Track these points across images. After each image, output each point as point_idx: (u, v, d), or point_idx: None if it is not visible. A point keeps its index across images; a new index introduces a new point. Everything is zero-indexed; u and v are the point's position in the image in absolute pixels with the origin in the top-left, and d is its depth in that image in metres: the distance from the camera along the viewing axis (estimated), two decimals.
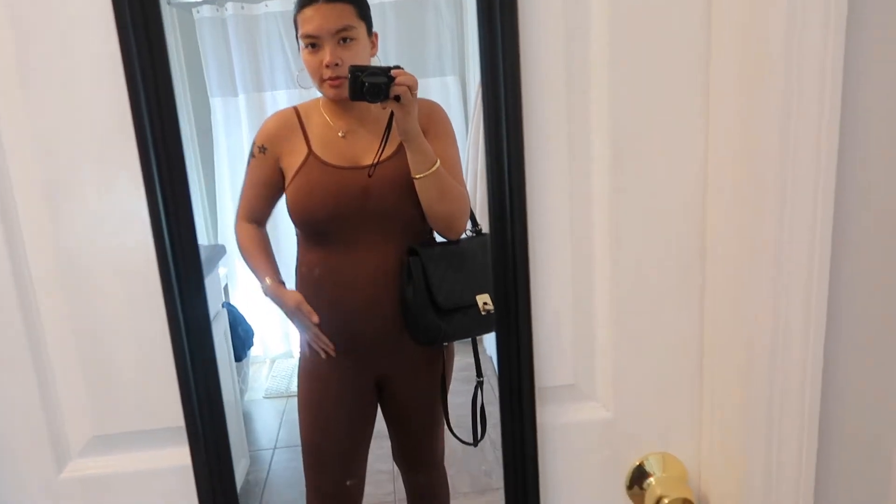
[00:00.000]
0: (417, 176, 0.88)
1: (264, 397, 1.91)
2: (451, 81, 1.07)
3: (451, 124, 0.94)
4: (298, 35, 0.95)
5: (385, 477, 1.22)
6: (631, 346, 0.79)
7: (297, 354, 1.73)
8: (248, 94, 1.24)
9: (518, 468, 0.78)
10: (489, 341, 1.05)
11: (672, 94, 0.72)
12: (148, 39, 0.64)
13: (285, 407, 1.83)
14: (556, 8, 0.70)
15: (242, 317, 1.62)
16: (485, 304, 0.93)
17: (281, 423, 1.81)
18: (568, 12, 0.71)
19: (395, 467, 1.17)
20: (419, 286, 0.91)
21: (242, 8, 1.20)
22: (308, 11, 0.93)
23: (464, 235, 0.95)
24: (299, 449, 1.67)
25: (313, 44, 0.94)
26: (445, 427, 1.06)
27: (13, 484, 0.79)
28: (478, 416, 1.03)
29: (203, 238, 1.11)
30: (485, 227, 0.92)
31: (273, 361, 2.04)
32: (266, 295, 1.05)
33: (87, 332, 0.75)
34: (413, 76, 0.88)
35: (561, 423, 0.80)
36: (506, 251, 0.72)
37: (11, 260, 0.72)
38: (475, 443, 1.03)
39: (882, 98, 0.68)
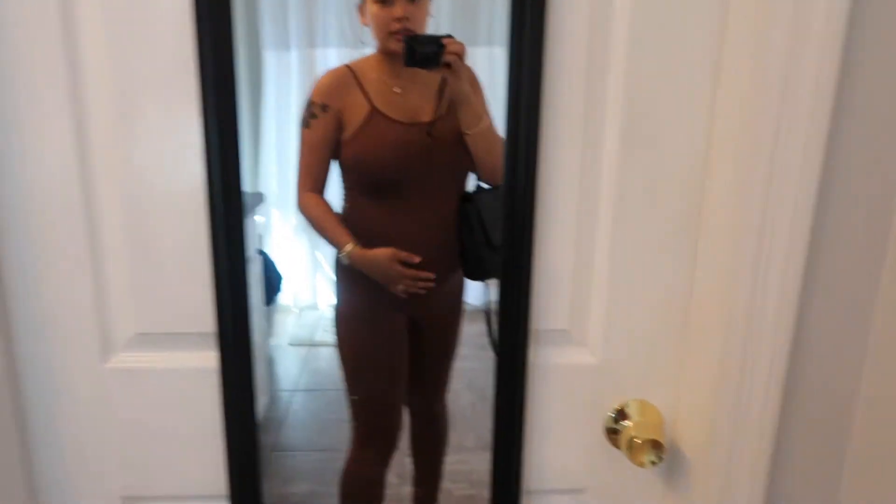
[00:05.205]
0: (469, 131, 0.96)
1: (289, 344, 2.02)
2: (499, 52, 1.14)
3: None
4: None
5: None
6: (623, 299, 0.86)
7: (322, 306, 1.82)
8: (300, 49, 1.33)
9: (507, 402, 0.86)
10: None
11: (683, 72, 0.79)
12: None
13: (307, 355, 1.93)
14: None
15: (274, 264, 1.72)
16: None
17: (302, 369, 1.91)
18: None
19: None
20: (476, 227, 1.01)
21: None
22: None
23: None
24: (318, 393, 1.77)
25: None
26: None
27: (64, 370, 0.90)
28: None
29: (245, 186, 1.21)
30: None
31: (300, 311, 2.14)
32: (348, 261, 1.08)
33: (141, 245, 0.85)
34: (462, 44, 0.97)
35: (551, 364, 0.88)
36: (515, 201, 0.80)
37: (81, 178, 0.82)
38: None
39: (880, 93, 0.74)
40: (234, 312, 0.85)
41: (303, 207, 1.12)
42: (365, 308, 1.04)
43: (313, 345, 1.95)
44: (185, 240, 0.85)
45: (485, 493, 1.35)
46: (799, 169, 0.73)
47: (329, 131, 1.03)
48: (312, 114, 1.04)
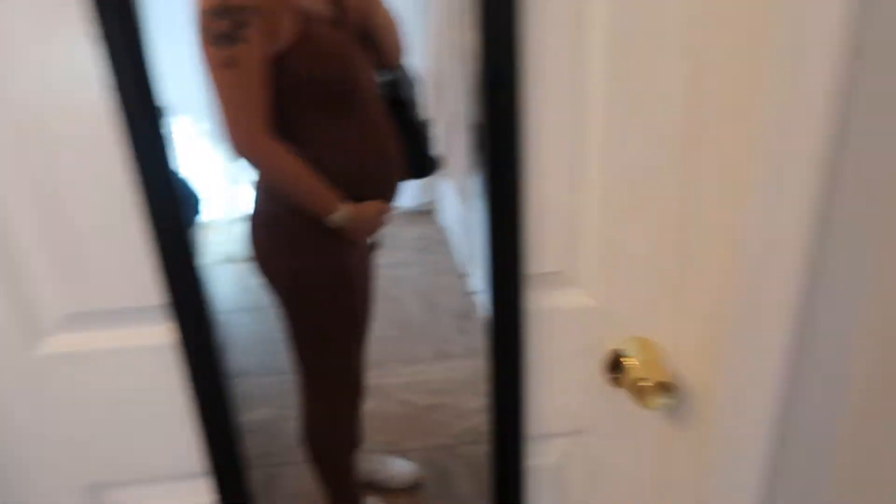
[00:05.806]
0: (376, 19, 0.84)
1: (218, 262, 1.90)
2: None
3: None
4: None
5: None
6: (617, 234, 0.79)
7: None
8: None
9: (504, 355, 0.80)
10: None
11: None
12: None
13: (241, 271, 1.83)
14: None
15: (187, 182, 1.56)
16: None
17: (238, 287, 1.79)
18: None
19: None
20: (416, 121, 0.89)
21: None
22: None
23: None
24: (261, 311, 1.67)
25: None
26: None
27: None
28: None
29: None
30: None
31: (224, 226, 2.00)
32: (343, 223, 0.88)
33: (50, 202, 0.71)
34: None
35: (545, 310, 0.81)
36: (500, 136, 0.70)
37: None
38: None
39: None
40: (185, 277, 0.74)
41: (270, 161, 0.87)
42: (341, 260, 0.91)
43: (245, 260, 1.84)
44: (104, 195, 0.72)
45: (445, 399, 1.33)
46: (824, 69, 0.64)
47: (270, 43, 0.78)
48: (243, 22, 0.75)
